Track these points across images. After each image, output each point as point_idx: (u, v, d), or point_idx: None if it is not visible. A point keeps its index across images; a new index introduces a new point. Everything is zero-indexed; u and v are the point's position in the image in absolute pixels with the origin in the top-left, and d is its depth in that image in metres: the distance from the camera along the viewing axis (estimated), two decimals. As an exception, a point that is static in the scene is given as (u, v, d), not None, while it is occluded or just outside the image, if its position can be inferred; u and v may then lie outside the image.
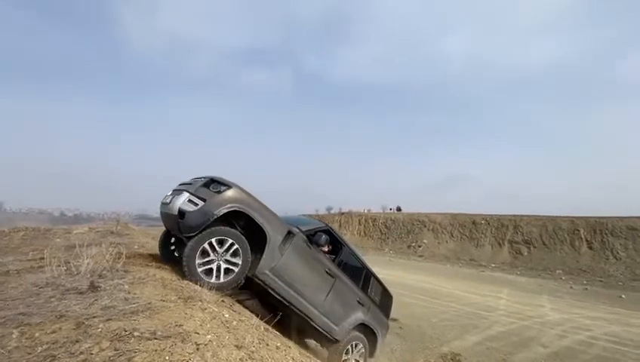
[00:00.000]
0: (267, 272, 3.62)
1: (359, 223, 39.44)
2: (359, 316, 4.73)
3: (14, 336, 1.76)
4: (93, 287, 2.61)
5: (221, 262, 3.38)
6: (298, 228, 4.07)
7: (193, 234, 3.24)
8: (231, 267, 3.44)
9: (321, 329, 4.22)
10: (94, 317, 2.02)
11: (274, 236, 3.66)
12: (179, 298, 2.74)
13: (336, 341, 4.44)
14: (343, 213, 43.93)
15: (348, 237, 37.72)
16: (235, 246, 3.42)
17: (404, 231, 34.07)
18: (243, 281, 3.62)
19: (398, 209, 43.18)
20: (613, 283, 17.95)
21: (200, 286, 3.19)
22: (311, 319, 4.07)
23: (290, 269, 3.82)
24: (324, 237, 4.19)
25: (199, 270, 3.29)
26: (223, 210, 3.29)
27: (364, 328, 4.89)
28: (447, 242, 29.86)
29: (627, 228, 21.83)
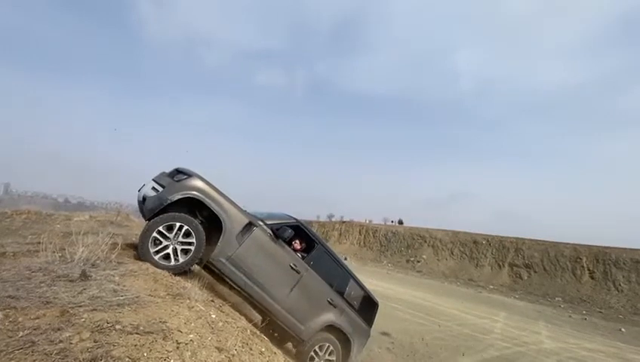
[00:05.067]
0: (223, 260, 3.71)
1: (359, 233, 39.25)
2: (329, 317, 4.55)
3: (-2, 319, 1.76)
4: (84, 276, 2.62)
5: (176, 245, 3.53)
6: (262, 221, 4.08)
7: (150, 216, 3.48)
8: (187, 247, 3.57)
9: (284, 326, 4.15)
10: (80, 306, 2.03)
11: (230, 225, 3.75)
12: (167, 294, 2.73)
13: (303, 340, 4.33)
14: (344, 222, 43.79)
15: (347, 246, 37.51)
16: (185, 227, 3.54)
17: (404, 244, 33.81)
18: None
19: (400, 222, 42.93)
20: (613, 315, 17.57)
21: (190, 283, 3.19)
22: (273, 314, 4.03)
23: (248, 260, 3.84)
24: (288, 231, 4.07)
25: (152, 250, 3.43)
26: (177, 196, 3.51)
27: (336, 331, 4.71)
28: (446, 259, 29.56)
29: (631, 261, 21.42)
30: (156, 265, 3.39)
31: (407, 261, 31.33)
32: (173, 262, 3.49)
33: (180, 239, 3.52)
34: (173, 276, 3.33)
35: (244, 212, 3.94)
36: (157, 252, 3.46)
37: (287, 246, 4.22)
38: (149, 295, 2.56)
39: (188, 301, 2.70)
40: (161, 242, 3.46)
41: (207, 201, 3.63)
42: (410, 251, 32.66)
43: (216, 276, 4.05)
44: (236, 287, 3.83)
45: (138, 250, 3.42)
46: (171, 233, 3.47)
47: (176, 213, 3.53)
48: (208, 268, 3.88)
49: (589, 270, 22.53)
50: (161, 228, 3.43)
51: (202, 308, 2.74)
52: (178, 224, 3.49)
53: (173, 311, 2.37)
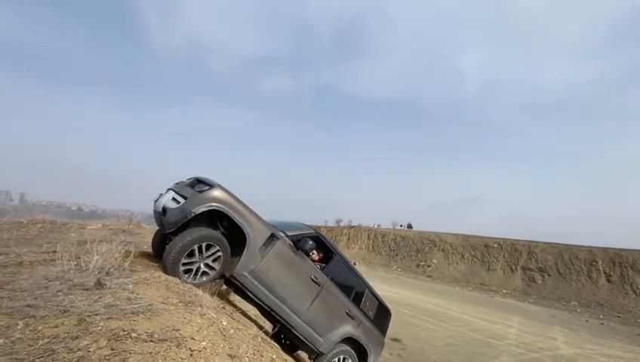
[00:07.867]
0: (246, 274, 3.61)
1: (368, 238, 39.02)
2: (347, 329, 4.51)
3: (19, 327, 1.82)
4: (99, 284, 2.68)
5: (202, 265, 3.48)
6: (283, 233, 3.98)
7: (172, 230, 3.37)
8: (208, 271, 3.53)
9: (303, 339, 4.09)
10: (96, 314, 2.08)
11: (254, 238, 3.63)
12: (180, 301, 2.77)
13: (321, 353, 4.27)
14: (352, 227, 43.60)
15: (356, 251, 37.31)
16: (220, 253, 3.50)
17: (414, 249, 33.47)
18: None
19: (409, 226, 42.59)
20: (631, 319, 17.04)
21: (202, 291, 3.23)
22: (292, 327, 3.96)
23: (271, 273, 3.74)
24: (310, 242, 3.97)
25: (181, 269, 3.38)
26: (201, 209, 3.36)
27: (353, 343, 4.67)
28: (457, 264, 29.14)
29: (649, 263, 20.82)
30: (175, 273, 3.34)
31: (417, 265, 30.99)
32: (190, 279, 3.44)
33: (208, 262, 3.47)
34: (184, 284, 3.38)
35: (265, 223, 3.84)
36: (184, 264, 3.40)
37: (307, 258, 4.16)
38: (162, 303, 2.60)
39: (200, 308, 2.73)
40: (193, 255, 3.40)
41: (232, 213, 3.51)
42: (420, 255, 32.30)
43: (237, 289, 3.97)
44: (257, 301, 3.75)
45: (168, 258, 3.32)
46: (207, 252, 3.42)
47: (220, 238, 3.49)
48: (228, 280, 3.79)
49: (605, 273, 21.94)
50: (203, 246, 3.37)
51: (214, 315, 2.77)
52: (217, 247, 3.45)
53: (185, 318, 2.41)
